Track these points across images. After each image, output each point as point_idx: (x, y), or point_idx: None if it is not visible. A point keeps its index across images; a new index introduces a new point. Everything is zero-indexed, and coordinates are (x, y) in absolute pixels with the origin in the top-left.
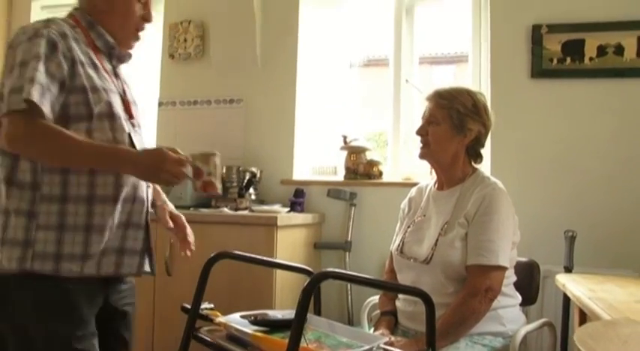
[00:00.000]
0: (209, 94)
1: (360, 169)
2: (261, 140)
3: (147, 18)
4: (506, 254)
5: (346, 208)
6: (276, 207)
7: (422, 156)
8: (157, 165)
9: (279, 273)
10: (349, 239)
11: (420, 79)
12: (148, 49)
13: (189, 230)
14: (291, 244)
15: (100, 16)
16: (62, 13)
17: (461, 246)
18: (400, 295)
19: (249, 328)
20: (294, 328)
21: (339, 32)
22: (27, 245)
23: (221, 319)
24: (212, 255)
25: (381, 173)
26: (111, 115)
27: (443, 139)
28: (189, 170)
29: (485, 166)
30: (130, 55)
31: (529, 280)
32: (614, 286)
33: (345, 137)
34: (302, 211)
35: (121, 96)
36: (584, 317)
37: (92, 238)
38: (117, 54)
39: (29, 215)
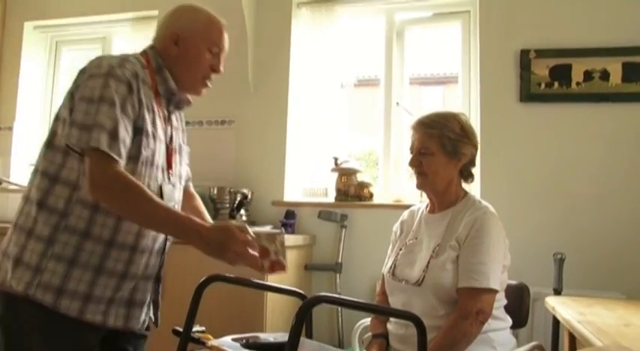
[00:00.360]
0: (200, 114)
1: (351, 190)
2: (252, 161)
3: (216, 68)
4: (497, 277)
5: (337, 230)
6: (267, 228)
7: (420, 187)
8: (223, 243)
9: (270, 295)
10: (340, 261)
11: (409, 100)
12: None
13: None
14: None
15: (169, 60)
16: (55, 33)
17: (452, 268)
18: (392, 318)
19: None
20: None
21: (331, 54)
22: (37, 272)
23: (213, 342)
24: (204, 278)
25: (371, 195)
26: (151, 162)
27: (440, 169)
28: (255, 251)
29: (474, 189)
30: (188, 102)
31: (519, 303)
32: (603, 309)
33: (336, 159)
34: (293, 232)
35: (166, 144)
36: (573, 340)
37: (100, 280)
38: (176, 100)
39: (48, 242)
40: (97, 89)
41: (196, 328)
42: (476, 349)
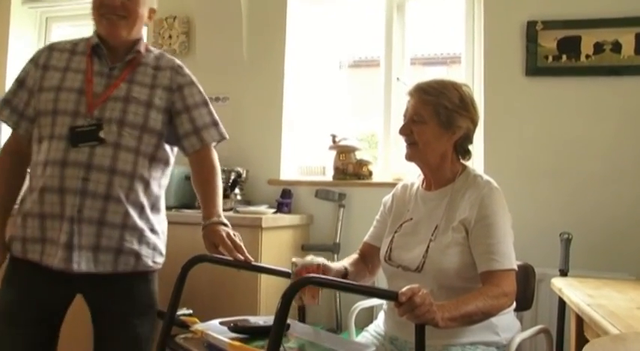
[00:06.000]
0: None
1: (350, 169)
2: (247, 139)
3: (104, 2)
4: (514, 255)
5: (335, 209)
6: (263, 208)
7: (409, 157)
8: None
9: (264, 277)
10: (338, 241)
11: (412, 79)
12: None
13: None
14: (277, 246)
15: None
16: (45, 9)
17: (455, 252)
18: (387, 303)
19: (228, 336)
20: (273, 336)
21: (328, 29)
22: None
23: (198, 326)
24: (189, 258)
25: (370, 173)
26: (53, 112)
27: (431, 139)
28: None
29: (478, 167)
30: (130, 55)
31: (524, 285)
32: (613, 291)
33: (334, 136)
34: (289, 212)
35: (84, 93)
36: (581, 323)
37: (18, 221)
38: (103, 53)
39: None
40: None
41: (183, 311)
42: (478, 335)
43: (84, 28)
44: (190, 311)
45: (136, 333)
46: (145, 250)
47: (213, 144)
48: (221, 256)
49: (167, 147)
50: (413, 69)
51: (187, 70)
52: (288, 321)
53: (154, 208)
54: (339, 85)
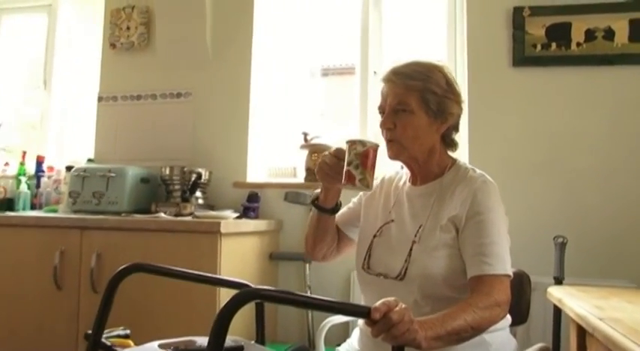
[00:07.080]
0: (154, 87)
1: None
2: (211, 138)
3: None
4: (509, 259)
5: (306, 214)
6: (227, 213)
7: (394, 156)
8: None
9: (225, 290)
10: None
11: None
12: (87, 37)
13: None
14: (240, 254)
15: None
16: None
17: (442, 256)
18: (362, 320)
19: None
20: None
21: (299, 23)
22: None
23: (129, 350)
24: (120, 268)
25: None
26: None
27: (419, 132)
28: None
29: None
30: None
31: (519, 295)
32: (623, 302)
33: (305, 134)
34: (256, 217)
35: None
36: (583, 337)
37: None
38: None
39: None
40: None
41: (118, 331)
42: None
43: (35, 21)
44: (127, 331)
45: None
46: None
47: None
48: (161, 266)
49: None
50: None
51: None
52: (242, 342)
53: None
54: (310, 87)
